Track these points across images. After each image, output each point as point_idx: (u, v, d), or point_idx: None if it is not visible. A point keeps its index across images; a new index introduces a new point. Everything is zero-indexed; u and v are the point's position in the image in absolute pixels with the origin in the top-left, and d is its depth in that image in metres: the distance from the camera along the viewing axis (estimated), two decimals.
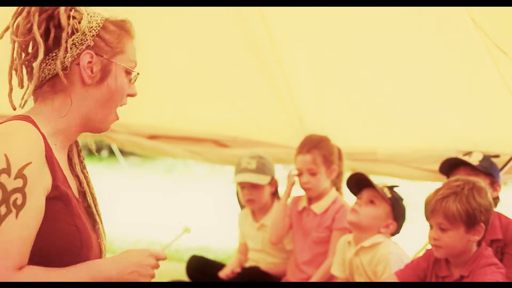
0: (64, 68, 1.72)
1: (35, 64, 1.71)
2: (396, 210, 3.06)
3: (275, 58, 4.06)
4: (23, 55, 1.75)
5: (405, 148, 3.98)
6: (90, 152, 2.28)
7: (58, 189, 1.65)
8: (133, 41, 1.82)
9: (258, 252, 3.77)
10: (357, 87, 3.96)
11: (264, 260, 3.74)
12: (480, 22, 3.30)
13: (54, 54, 1.71)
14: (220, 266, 3.89)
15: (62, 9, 1.72)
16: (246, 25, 3.97)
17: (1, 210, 1.55)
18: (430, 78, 3.69)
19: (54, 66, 1.71)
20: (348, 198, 3.45)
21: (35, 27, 1.70)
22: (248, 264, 3.78)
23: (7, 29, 1.76)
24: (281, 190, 3.79)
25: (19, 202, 1.57)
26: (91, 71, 1.73)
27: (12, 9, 1.78)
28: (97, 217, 1.84)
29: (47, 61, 1.72)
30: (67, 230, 1.65)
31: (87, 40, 1.72)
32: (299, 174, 3.49)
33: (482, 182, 2.64)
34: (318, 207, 3.49)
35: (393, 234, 3.09)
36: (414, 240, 3.98)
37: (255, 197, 3.70)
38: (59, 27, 1.71)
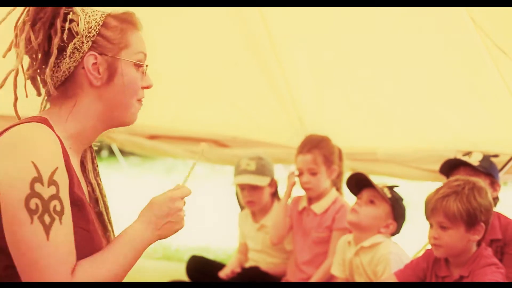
0: (69, 76, 1.69)
1: (47, 74, 1.68)
2: (396, 210, 3.06)
3: (275, 58, 4.05)
4: (34, 64, 1.72)
5: (405, 148, 3.98)
6: None
7: (73, 194, 1.64)
8: (139, 32, 1.77)
9: (258, 253, 3.77)
10: (357, 87, 3.96)
11: (264, 260, 3.74)
12: (480, 22, 3.30)
13: (59, 60, 1.69)
14: (220, 266, 3.89)
15: (61, 13, 1.69)
16: (246, 25, 3.97)
17: (45, 219, 1.53)
18: (430, 78, 3.69)
19: (60, 73, 1.69)
20: (348, 198, 3.45)
21: (32, 38, 1.67)
22: (248, 264, 3.78)
23: (10, 48, 1.73)
24: (281, 191, 3.79)
25: (58, 208, 1.56)
26: (98, 72, 1.70)
27: (11, 9, 1.77)
28: (108, 224, 1.83)
29: (53, 69, 1.70)
30: (80, 235, 1.63)
31: (87, 42, 1.69)
32: (300, 174, 3.50)
33: (482, 182, 2.64)
34: (318, 207, 3.49)
35: (393, 234, 3.09)
36: (414, 240, 3.98)
37: (255, 198, 3.70)
38: (57, 33, 1.68)
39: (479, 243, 2.61)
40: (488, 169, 3.03)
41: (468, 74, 3.57)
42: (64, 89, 1.71)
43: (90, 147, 1.85)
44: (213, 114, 4.42)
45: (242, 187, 3.73)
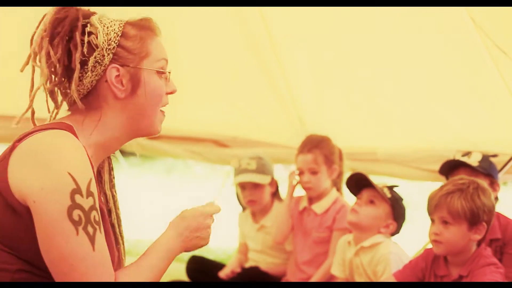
0: (93, 89, 1.68)
1: (73, 89, 1.66)
2: (396, 210, 3.06)
3: (275, 58, 4.05)
4: (54, 78, 1.70)
5: (405, 148, 3.98)
6: None
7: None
8: (158, 37, 1.75)
9: (258, 253, 3.77)
10: (357, 87, 3.96)
11: (264, 260, 3.74)
12: (480, 22, 3.30)
13: (80, 74, 1.67)
14: (220, 266, 3.89)
15: (79, 26, 1.67)
16: (246, 25, 3.97)
17: (89, 230, 1.53)
18: (430, 78, 3.69)
19: (82, 87, 1.67)
20: (348, 198, 3.45)
21: (51, 53, 1.65)
22: (248, 264, 3.78)
23: (28, 60, 1.71)
24: (282, 191, 3.79)
25: (97, 218, 1.56)
26: (121, 84, 1.68)
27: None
28: (119, 237, 1.83)
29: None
30: None
31: (108, 54, 1.67)
32: (300, 174, 3.50)
33: (485, 183, 2.66)
34: (318, 207, 3.49)
35: (393, 234, 3.09)
36: (414, 240, 3.98)
37: (256, 197, 3.70)
38: (77, 47, 1.66)
39: (479, 243, 2.61)
40: (487, 170, 3.03)
41: (468, 74, 3.57)
42: (87, 101, 1.69)
43: (109, 157, 1.84)
44: (213, 114, 4.42)
45: (243, 186, 3.72)
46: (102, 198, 1.78)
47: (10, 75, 4.48)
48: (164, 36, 1.77)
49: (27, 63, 1.71)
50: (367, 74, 3.86)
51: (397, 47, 3.69)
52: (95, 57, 1.66)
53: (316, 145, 3.48)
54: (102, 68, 1.67)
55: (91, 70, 1.66)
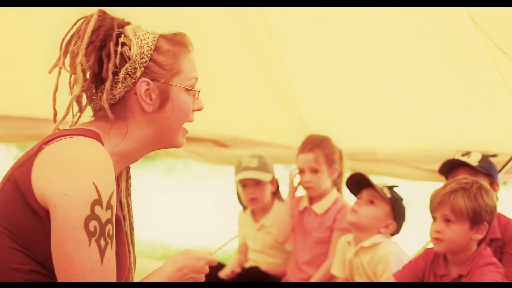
0: (120, 99, 1.68)
1: (104, 100, 1.66)
2: (396, 210, 3.06)
3: (275, 58, 4.05)
4: (83, 84, 1.69)
5: (405, 148, 3.98)
6: None
7: (116, 216, 1.62)
8: (190, 54, 1.75)
9: (258, 253, 3.77)
10: (357, 87, 3.96)
11: (264, 260, 3.74)
12: (480, 22, 3.30)
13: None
14: (220, 266, 3.88)
15: (114, 36, 1.66)
16: (246, 25, 3.97)
17: (101, 243, 1.52)
18: (430, 78, 3.69)
19: (111, 96, 1.67)
20: (348, 198, 3.46)
21: (82, 60, 1.65)
22: (248, 265, 3.78)
23: (57, 63, 1.70)
24: (282, 190, 3.80)
25: (110, 232, 1.55)
26: (150, 98, 1.68)
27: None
28: (131, 246, 1.83)
29: (102, 90, 1.68)
30: None
31: (140, 68, 1.67)
32: (301, 173, 3.50)
33: (487, 184, 2.67)
34: (319, 207, 3.49)
35: (393, 234, 3.09)
36: (414, 240, 3.98)
37: (257, 195, 3.70)
38: (110, 56, 1.66)
39: (479, 243, 2.62)
40: (487, 169, 3.03)
41: (468, 74, 3.57)
42: (113, 110, 1.68)
43: (127, 166, 1.83)
44: (213, 114, 4.42)
45: (244, 184, 3.72)
46: (117, 205, 1.75)
47: (10, 75, 4.49)
48: None
49: (55, 65, 1.71)
50: (367, 74, 3.86)
51: (397, 47, 3.69)
52: (126, 69, 1.66)
53: (317, 144, 3.48)
54: (133, 80, 1.67)
55: (121, 81, 1.66)
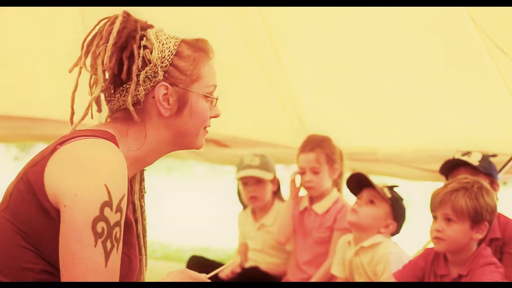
0: (138, 102, 1.67)
1: (129, 102, 1.66)
2: (396, 210, 3.06)
3: (275, 58, 4.06)
4: (102, 84, 1.68)
5: (405, 148, 3.99)
6: None
7: (127, 218, 1.62)
8: (211, 60, 1.76)
9: (259, 252, 3.77)
10: (357, 87, 3.96)
11: (264, 260, 3.74)
12: (480, 22, 3.30)
13: (128, 85, 1.67)
14: (220, 266, 3.88)
15: (137, 38, 1.66)
16: (246, 25, 3.97)
17: (107, 245, 1.52)
18: (430, 78, 3.69)
19: (128, 97, 1.66)
20: (348, 198, 3.46)
21: (106, 60, 1.65)
22: (248, 264, 3.78)
23: (78, 62, 1.70)
24: (283, 190, 3.80)
25: (118, 235, 1.55)
26: (168, 103, 1.69)
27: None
28: (143, 248, 1.82)
29: (121, 92, 1.68)
30: (121, 260, 1.60)
31: (160, 72, 1.67)
32: (302, 173, 3.50)
33: (487, 184, 2.68)
34: (319, 207, 3.50)
35: (393, 234, 3.09)
36: (414, 240, 3.98)
37: (258, 193, 3.71)
38: (132, 58, 1.66)
39: (479, 243, 2.62)
40: (487, 169, 3.03)
41: (468, 74, 3.57)
42: (129, 112, 1.68)
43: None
44: None
45: (246, 182, 3.72)
46: (130, 207, 1.75)
47: (10, 75, 4.49)
48: None
49: (76, 64, 1.71)
50: (367, 74, 3.86)
51: (397, 47, 3.69)
52: (146, 72, 1.67)
53: (318, 144, 3.48)
54: (152, 84, 1.67)
55: (141, 84, 1.66)
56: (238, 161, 3.82)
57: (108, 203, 1.52)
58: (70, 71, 1.71)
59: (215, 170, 10.08)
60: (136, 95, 1.67)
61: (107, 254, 1.52)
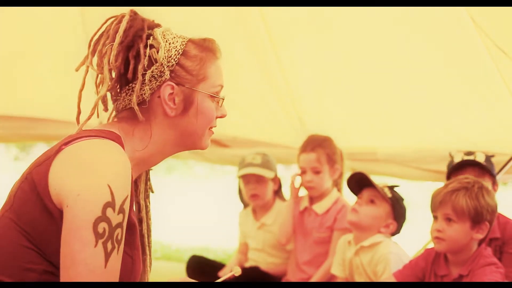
0: (144, 101, 1.66)
1: (134, 101, 1.65)
2: (397, 210, 3.06)
3: (275, 58, 4.06)
4: (108, 83, 1.67)
5: (405, 148, 3.99)
6: None
7: (129, 219, 1.60)
8: (218, 61, 1.75)
9: (259, 252, 3.77)
10: (357, 87, 3.96)
11: (264, 260, 3.74)
12: (480, 22, 3.31)
13: (134, 84, 1.66)
14: (220, 266, 3.89)
15: (143, 37, 1.66)
16: (246, 25, 3.97)
17: (108, 246, 1.50)
18: (430, 78, 3.69)
19: (134, 96, 1.66)
20: (349, 198, 3.46)
21: (112, 59, 1.64)
22: (248, 264, 3.78)
23: (84, 61, 1.69)
24: (284, 190, 3.80)
25: (119, 237, 1.53)
26: (173, 102, 1.67)
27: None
28: (147, 248, 1.82)
29: (127, 91, 1.68)
30: (124, 261, 1.59)
31: (166, 71, 1.66)
32: (303, 173, 3.50)
33: (489, 183, 2.68)
34: (319, 207, 3.50)
35: (393, 234, 3.09)
36: (414, 240, 3.98)
37: (259, 192, 3.71)
38: (138, 58, 1.65)
39: (479, 243, 2.62)
40: (491, 169, 3.03)
41: (468, 74, 3.57)
42: (135, 111, 1.67)
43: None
44: None
45: (247, 180, 3.72)
46: (134, 207, 1.75)
47: (10, 75, 4.49)
48: None
49: (83, 63, 1.70)
50: (367, 74, 3.86)
51: (397, 47, 3.70)
52: (152, 71, 1.66)
53: (319, 144, 3.48)
54: (158, 83, 1.66)
55: (147, 83, 1.66)
56: (238, 161, 3.82)
57: (110, 204, 1.51)
58: (76, 70, 1.70)
59: (215, 170, 10.08)
60: (141, 94, 1.67)
61: (107, 255, 1.51)
